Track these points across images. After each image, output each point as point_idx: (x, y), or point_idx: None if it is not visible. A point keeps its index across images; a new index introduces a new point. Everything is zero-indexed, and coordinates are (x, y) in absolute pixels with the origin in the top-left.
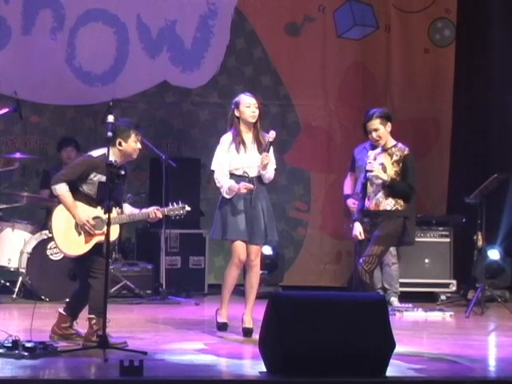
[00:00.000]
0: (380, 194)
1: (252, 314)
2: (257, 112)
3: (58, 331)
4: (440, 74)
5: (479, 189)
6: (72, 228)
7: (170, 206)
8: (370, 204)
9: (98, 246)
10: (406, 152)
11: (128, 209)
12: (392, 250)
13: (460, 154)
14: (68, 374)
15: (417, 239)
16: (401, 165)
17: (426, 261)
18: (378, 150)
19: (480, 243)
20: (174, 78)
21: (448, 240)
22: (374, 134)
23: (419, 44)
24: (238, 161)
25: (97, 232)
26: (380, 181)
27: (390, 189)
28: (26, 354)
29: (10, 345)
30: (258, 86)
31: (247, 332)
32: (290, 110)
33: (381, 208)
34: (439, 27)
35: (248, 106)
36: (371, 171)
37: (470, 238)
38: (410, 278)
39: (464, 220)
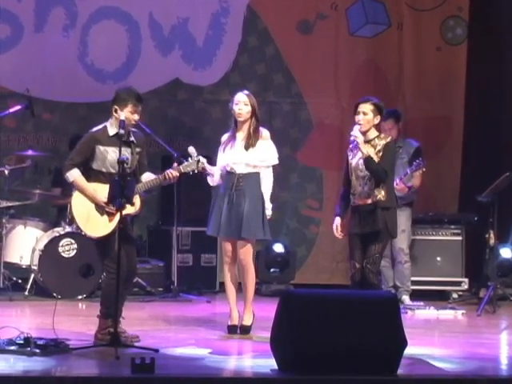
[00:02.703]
0: (366, 187)
1: (251, 310)
2: (245, 109)
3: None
4: (452, 72)
5: (491, 187)
6: (93, 209)
7: (185, 163)
8: (357, 199)
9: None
10: (387, 140)
11: (146, 176)
12: (404, 247)
13: (472, 152)
14: (80, 371)
15: (429, 237)
16: (381, 153)
17: (438, 259)
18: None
19: (492, 241)
20: (186, 76)
21: (460, 238)
22: (361, 116)
23: (431, 42)
24: (224, 158)
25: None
26: (363, 173)
27: (365, 165)
28: (37, 351)
29: (21, 342)
30: (270, 84)
31: (244, 329)
32: (302, 108)
33: (369, 201)
34: (451, 25)
35: (236, 103)
36: (356, 137)
37: (481, 237)
38: (422, 276)
39: (476, 218)
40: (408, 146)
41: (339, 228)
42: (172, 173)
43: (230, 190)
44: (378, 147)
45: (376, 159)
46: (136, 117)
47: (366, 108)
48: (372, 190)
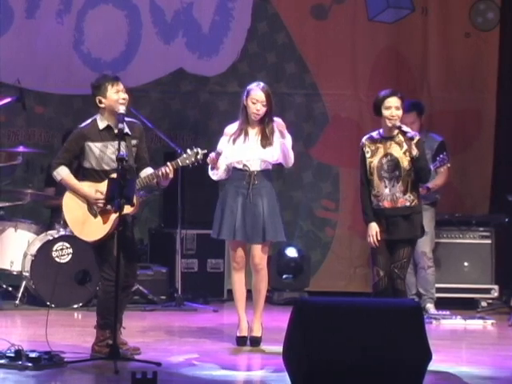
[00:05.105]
0: (394, 189)
1: (261, 320)
2: (262, 110)
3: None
4: (483, 60)
5: None
6: (86, 212)
7: (183, 155)
8: (383, 202)
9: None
10: (418, 137)
11: (146, 171)
12: (427, 251)
13: (504, 148)
14: None
15: (455, 240)
16: (414, 151)
17: (466, 264)
18: (376, 134)
19: None
20: (191, 65)
21: (489, 241)
22: (394, 112)
23: (459, 28)
24: (236, 153)
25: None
26: (388, 174)
27: (416, 164)
28: (29, 364)
29: (12, 355)
30: (282, 74)
31: (254, 341)
32: (316, 100)
33: (399, 205)
34: (482, 9)
35: (254, 102)
36: (416, 138)
37: None
38: (448, 283)
39: (507, 220)
40: (431, 141)
41: (379, 236)
42: (167, 168)
43: (246, 189)
44: (406, 146)
45: (406, 158)
46: (122, 95)
47: (398, 102)
48: (402, 192)
